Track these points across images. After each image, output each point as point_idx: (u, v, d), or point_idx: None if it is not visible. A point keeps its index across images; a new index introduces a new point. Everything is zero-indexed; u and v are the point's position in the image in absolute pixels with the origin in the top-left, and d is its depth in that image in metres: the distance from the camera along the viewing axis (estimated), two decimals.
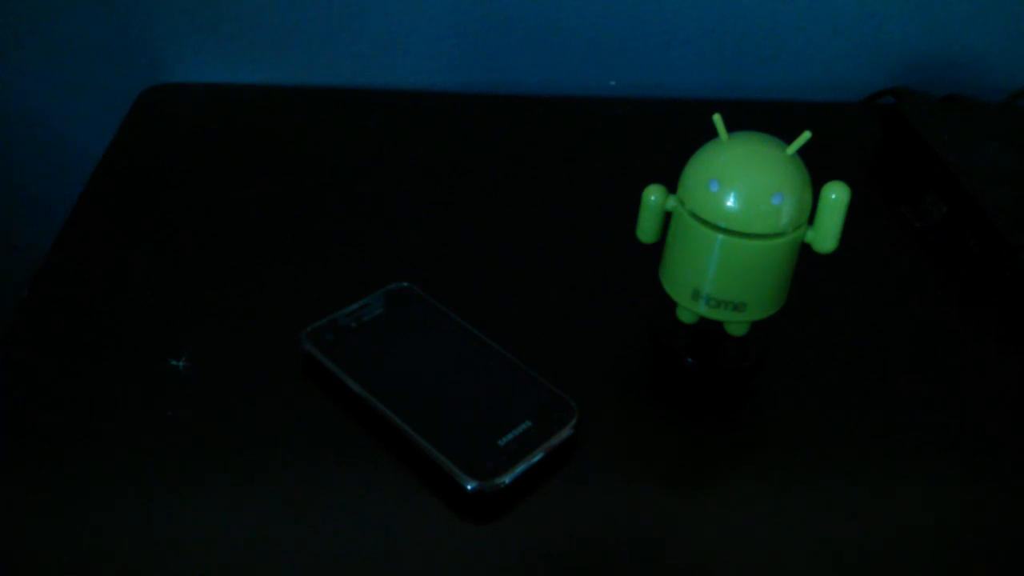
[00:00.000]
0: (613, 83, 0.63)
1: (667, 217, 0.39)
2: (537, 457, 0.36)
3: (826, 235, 0.37)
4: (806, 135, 0.35)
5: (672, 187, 0.38)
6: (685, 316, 0.40)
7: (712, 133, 0.37)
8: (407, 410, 0.37)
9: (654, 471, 0.37)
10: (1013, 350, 0.44)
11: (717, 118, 0.36)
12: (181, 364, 0.40)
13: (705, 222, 0.36)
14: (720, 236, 0.36)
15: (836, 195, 0.36)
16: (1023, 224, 0.46)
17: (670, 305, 0.40)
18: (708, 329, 0.41)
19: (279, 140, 0.56)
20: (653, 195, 0.38)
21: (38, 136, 0.64)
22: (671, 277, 0.39)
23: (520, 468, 0.35)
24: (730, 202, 0.35)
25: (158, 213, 0.49)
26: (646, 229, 0.39)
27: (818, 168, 0.37)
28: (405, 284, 0.43)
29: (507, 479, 0.35)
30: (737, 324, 0.40)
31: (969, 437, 0.39)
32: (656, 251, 0.40)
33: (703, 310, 0.38)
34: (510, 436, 0.36)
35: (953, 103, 0.58)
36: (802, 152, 0.36)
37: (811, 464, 0.38)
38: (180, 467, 0.36)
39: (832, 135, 0.43)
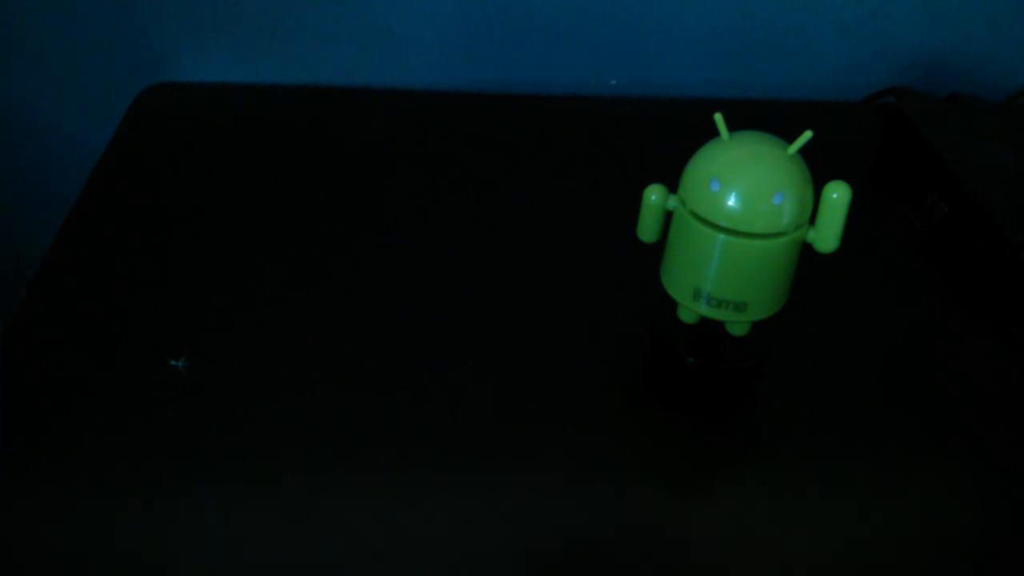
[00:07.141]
0: (613, 83, 0.63)
1: (668, 217, 0.39)
2: None
3: (827, 235, 0.37)
4: (807, 134, 0.35)
5: (673, 187, 0.38)
6: (686, 316, 0.40)
7: (713, 132, 0.36)
8: None
9: (654, 471, 0.37)
10: (1013, 350, 0.43)
11: (718, 117, 0.36)
12: (181, 364, 0.40)
13: (706, 222, 0.36)
14: (721, 236, 0.36)
15: (837, 195, 0.36)
16: None
17: (671, 305, 0.40)
18: (709, 329, 0.40)
19: (279, 140, 0.56)
20: (654, 195, 0.38)
21: (38, 136, 0.64)
22: (672, 277, 0.39)
23: None
24: (731, 202, 0.35)
25: (158, 213, 0.49)
26: (646, 229, 0.39)
27: (819, 168, 0.37)
28: None
29: None
30: (738, 324, 0.40)
31: (969, 437, 0.39)
32: (656, 251, 0.40)
33: (704, 310, 0.38)
34: None
35: (954, 103, 0.58)
36: (803, 152, 0.36)
37: (811, 464, 0.38)
38: (180, 467, 0.36)
39: (833, 135, 0.43)
